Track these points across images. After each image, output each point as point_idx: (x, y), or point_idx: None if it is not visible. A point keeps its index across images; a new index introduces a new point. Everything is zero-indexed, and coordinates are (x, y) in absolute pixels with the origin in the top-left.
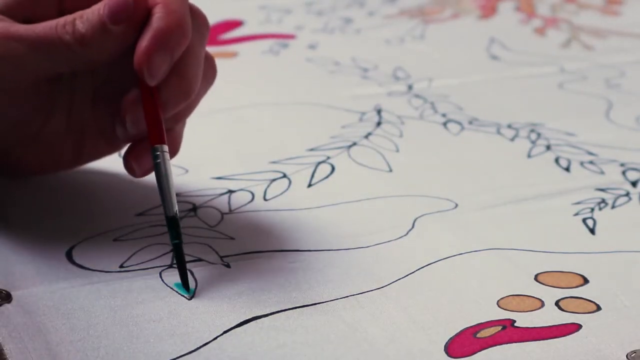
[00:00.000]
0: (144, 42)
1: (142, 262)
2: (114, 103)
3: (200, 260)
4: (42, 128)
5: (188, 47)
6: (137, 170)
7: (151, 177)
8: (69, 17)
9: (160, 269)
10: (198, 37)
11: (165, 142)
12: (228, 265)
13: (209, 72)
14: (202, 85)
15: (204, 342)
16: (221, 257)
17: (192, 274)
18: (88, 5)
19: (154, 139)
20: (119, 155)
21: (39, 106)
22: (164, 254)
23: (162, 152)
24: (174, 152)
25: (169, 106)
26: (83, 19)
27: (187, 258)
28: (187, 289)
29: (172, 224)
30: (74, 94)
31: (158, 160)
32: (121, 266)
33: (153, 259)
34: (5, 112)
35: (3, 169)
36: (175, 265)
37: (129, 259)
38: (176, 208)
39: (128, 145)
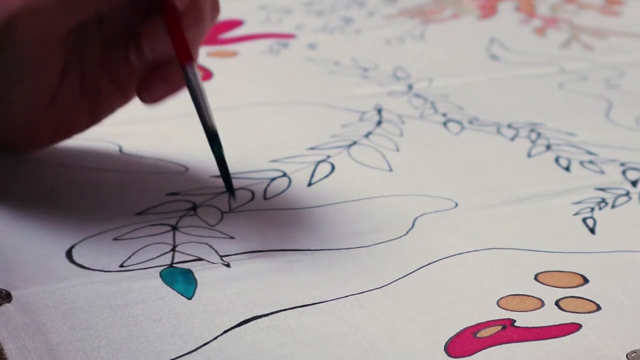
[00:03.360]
0: None
1: (142, 262)
2: (123, 47)
3: (200, 259)
4: (59, 91)
5: None
6: (147, 98)
7: (151, 175)
8: None
9: (160, 269)
10: None
11: (194, 58)
12: (228, 265)
13: (214, 9)
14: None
15: (204, 342)
16: (221, 257)
17: (192, 273)
18: None
19: (183, 57)
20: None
21: (56, 65)
22: (164, 254)
23: (193, 70)
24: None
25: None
26: None
27: (187, 258)
28: (233, 195)
29: (213, 136)
30: (84, 50)
31: (190, 80)
32: (121, 266)
33: (153, 258)
34: (29, 75)
35: (22, 141)
36: (176, 265)
37: (129, 258)
38: (214, 121)
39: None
